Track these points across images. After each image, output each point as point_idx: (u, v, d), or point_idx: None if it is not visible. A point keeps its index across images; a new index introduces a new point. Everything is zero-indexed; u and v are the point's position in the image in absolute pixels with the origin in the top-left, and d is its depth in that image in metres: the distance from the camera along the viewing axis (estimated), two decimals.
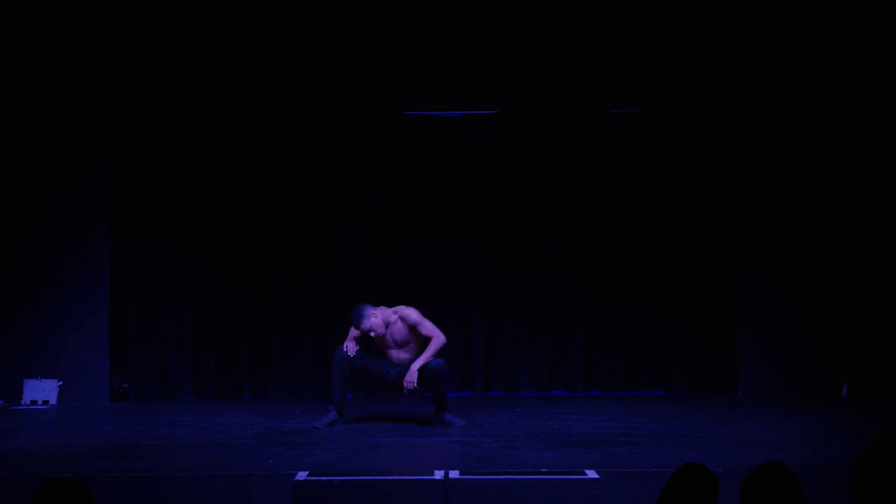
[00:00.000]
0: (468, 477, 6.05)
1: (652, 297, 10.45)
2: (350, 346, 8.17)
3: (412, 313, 8.18)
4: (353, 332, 8.25)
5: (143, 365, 10.30)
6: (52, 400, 9.74)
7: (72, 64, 9.70)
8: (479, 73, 9.82)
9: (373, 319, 8.12)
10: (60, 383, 9.79)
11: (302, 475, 6.00)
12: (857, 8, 9.56)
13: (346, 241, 10.46)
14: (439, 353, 8.15)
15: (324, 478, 5.98)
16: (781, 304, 10.01)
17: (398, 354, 8.26)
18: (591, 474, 6.02)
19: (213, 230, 10.38)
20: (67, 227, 9.86)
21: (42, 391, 9.75)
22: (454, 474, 6.04)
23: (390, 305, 8.35)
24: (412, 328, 8.18)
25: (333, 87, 9.83)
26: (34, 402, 9.71)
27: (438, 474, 6.05)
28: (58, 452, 7.30)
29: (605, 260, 10.49)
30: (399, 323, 8.21)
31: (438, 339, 8.11)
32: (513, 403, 9.84)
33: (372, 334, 8.11)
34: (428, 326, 8.15)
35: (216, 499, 6.21)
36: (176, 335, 10.35)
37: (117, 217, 10.09)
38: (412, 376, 8.04)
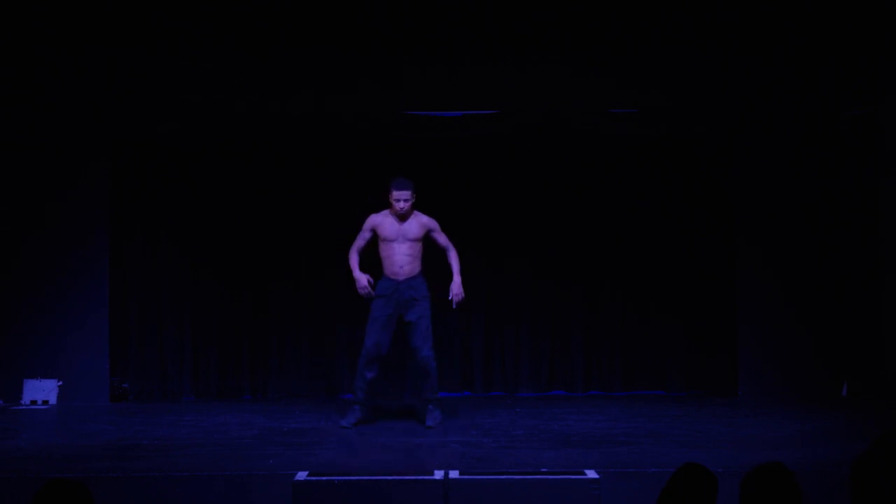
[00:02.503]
0: (468, 477, 6.07)
1: (652, 297, 10.44)
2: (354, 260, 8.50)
3: (433, 221, 8.55)
4: (369, 227, 8.49)
5: (143, 365, 10.30)
6: (52, 400, 9.74)
7: (72, 64, 9.70)
8: (479, 73, 9.82)
9: (409, 203, 8.39)
10: (60, 383, 9.79)
11: (302, 475, 6.01)
12: (857, 8, 9.56)
13: (346, 241, 10.43)
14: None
15: (324, 478, 5.99)
16: (781, 304, 10.01)
17: (401, 256, 8.41)
18: (591, 474, 6.04)
19: (213, 230, 10.37)
20: (67, 227, 9.86)
21: (42, 391, 9.75)
22: (454, 474, 6.05)
23: None
24: (426, 235, 8.48)
25: (333, 87, 9.82)
26: (34, 402, 9.71)
27: (438, 474, 6.07)
28: (58, 452, 7.31)
29: (605, 260, 10.48)
30: (416, 224, 8.46)
31: (454, 249, 8.58)
32: (513, 403, 9.84)
33: (400, 205, 8.32)
34: (445, 237, 8.58)
35: (216, 499, 6.23)
36: (176, 335, 10.34)
37: (117, 217, 10.09)
38: (458, 288, 8.50)
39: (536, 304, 10.55)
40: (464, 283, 10.50)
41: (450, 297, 8.51)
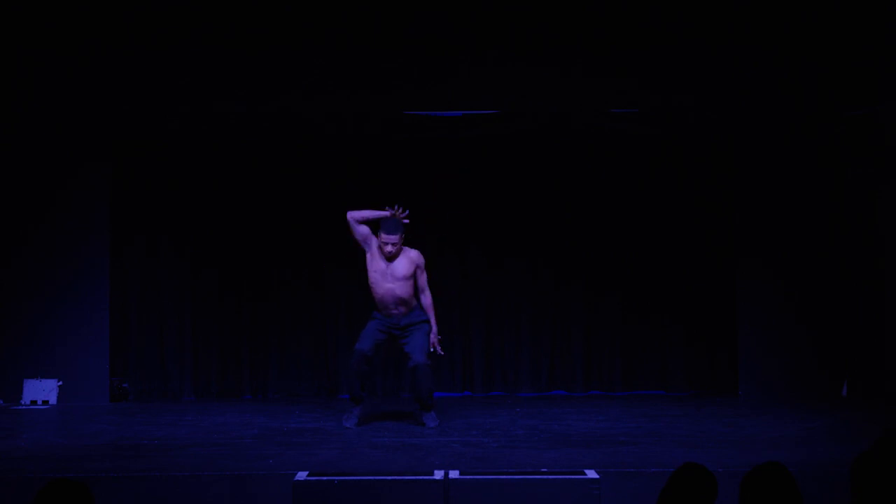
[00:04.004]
0: (468, 477, 6.06)
1: (652, 296, 10.44)
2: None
3: (420, 258, 8.35)
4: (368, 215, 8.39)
5: (143, 365, 10.30)
6: (52, 400, 9.74)
7: (72, 64, 9.69)
8: (480, 73, 9.80)
9: (397, 247, 8.22)
10: (60, 383, 9.79)
11: (302, 475, 6.01)
12: (858, 8, 9.56)
13: (345, 241, 10.43)
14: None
15: (324, 478, 5.99)
16: (781, 304, 10.00)
17: (393, 297, 8.27)
18: (591, 474, 6.03)
19: (213, 230, 10.37)
20: (68, 227, 9.85)
21: (42, 391, 9.75)
22: (454, 474, 6.05)
23: None
24: (413, 272, 8.30)
25: (333, 88, 9.82)
26: (34, 402, 9.71)
27: (438, 474, 6.07)
28: (58, 452, 7.31)
29: (606, 260, 10.48)
30: (404, 261, 8.29)
31: (429, 297, 8.37)
32: (513, 403, 9.84)
33: (388, 249, 8.19)
34: (425, 278, 8.37)
35: (216, 499, 6.23)
36: (176, 335, 10.34)
37: (117, 217, 10.08)
38: (435, 337, 8.31)
39: (536, 304, 10.55)
40: (464, 282, 10.58)
41: (431, 349, 8.31)
